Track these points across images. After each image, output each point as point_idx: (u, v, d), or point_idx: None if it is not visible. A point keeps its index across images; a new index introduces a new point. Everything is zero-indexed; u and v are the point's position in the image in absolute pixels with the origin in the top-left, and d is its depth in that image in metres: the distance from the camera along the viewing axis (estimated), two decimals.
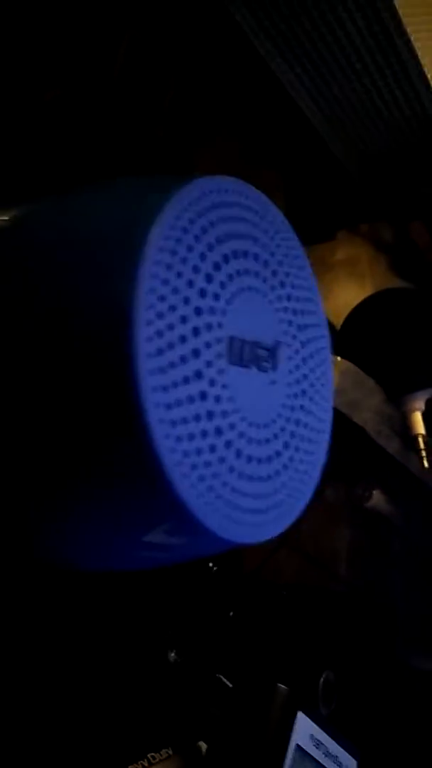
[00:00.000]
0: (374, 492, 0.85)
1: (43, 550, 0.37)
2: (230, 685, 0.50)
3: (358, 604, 0.73)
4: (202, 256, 0.30)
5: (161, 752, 0.49)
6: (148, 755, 0.48)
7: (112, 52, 0.54)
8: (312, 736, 0.47)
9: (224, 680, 0.51)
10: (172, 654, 0.55)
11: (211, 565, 0.64)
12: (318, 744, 0.48)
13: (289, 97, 0.67)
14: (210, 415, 0.29)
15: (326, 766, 0.49)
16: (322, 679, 0.55)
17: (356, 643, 0.67)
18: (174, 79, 0.60)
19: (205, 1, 0.57)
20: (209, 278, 0.30)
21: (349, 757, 0.52)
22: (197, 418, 0.29)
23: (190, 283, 0.29)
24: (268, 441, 0.33)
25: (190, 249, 0.29)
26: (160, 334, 0.27)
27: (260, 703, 0.46)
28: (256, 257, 0.34)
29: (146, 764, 0.48)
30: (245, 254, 0.33)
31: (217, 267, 0.31)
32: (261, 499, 0.32)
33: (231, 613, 0.63)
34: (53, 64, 0.50)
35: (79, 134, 0.50)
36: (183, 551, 0.32)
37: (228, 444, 0.30)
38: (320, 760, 0.48)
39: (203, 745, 0.46)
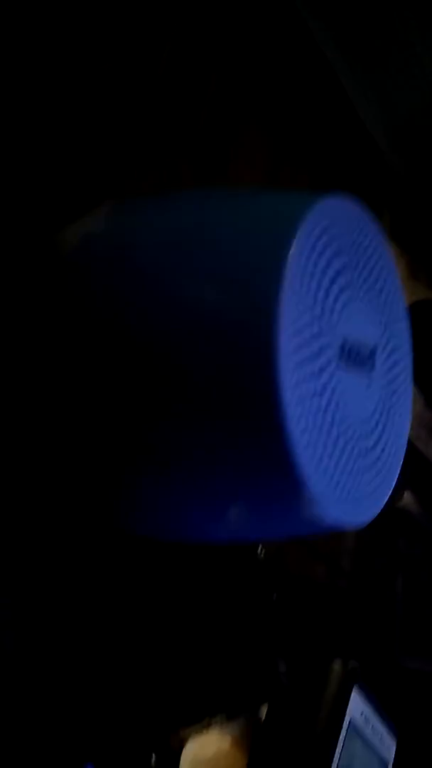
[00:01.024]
0: (405, 492, 0.88)
1: (141, 517, 0.40)
2: (282, 668, 0.54)
3: (359, 601, 0.76)
4: (328, 264, 0.34)
5: (217, 716, 0.53)
6: (206, 718, 0.52)
7: (158, 49, 0.58)
8: (362, 712, 0.51)
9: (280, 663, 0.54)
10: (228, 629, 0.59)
11: (260, 550, 0.67)
12: (366, 720, 0.52)
13: (322, 91, 0.70)
14: (326, 408, 0.33)
15: (372, 741, 0.53)
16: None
17: (355, 640, 0.69)
18: (215, 75, 0.63)
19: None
20: (331, 284, 0.34)
21: (390, 736, 0.55)
22: (318, 410, 0.32)
23: (318, 288, 0.33)
24: (367, 435, 0.37)
25: (319, 256, 0.33)
26: (296, 333, 0.31)
27: (318, 677, 0.49)
28: (362, 268, 0.37)
29: (204, 725, 0.51)
30: (356, 265, 0.37)
31: (337, 274, 0.35)
32: (362, 486, 0.36)
33: (274, 596, 0.67)
34: (107, 55, 0.52)
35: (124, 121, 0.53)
36: (288, 528, 0.36)
37: (338, 436, 0.34)
38: (368, 737, 0.52)
39: (262, 713, 0.50)
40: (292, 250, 0.30)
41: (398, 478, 0.94)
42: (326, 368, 0.33)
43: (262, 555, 0.68)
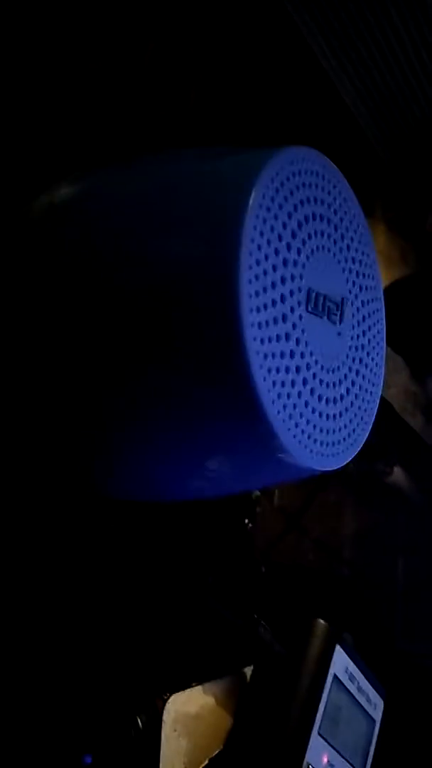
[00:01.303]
0: (395, 468, 0.89)
1: (114, 477, 0.41)
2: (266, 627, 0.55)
3: (359, 588, 0.76)
4: (289, 215, 0.34)
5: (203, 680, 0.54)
6: (193, 684, 0.53)
7: (142, 43, 0.58)
8: (347, 669, 0.52)
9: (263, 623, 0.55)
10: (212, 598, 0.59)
11: (246, 521, 0.68)
12: (351, 678, 0.52)
13: (312, 87, 0.71)
14: (292, 353, 0.34)
15: (358, 699, 0.53)
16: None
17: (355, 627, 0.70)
18: (199, 70, 0.64)
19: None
20: (294, 235, 0.35)
21: (377, 694, 0.56)
22: (282, 354, 0.33)
23: (280, 237, 0.33)
24: (335, 384, 0.37)
25: (280, 207, 0.34)
26: (257, 278, 0.31)
27: (301, 635, 0.50)
28: (328, 221, 0.38)
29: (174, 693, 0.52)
30: (321, 217, 0.37)
31: (299, 225, 0.35)
32: (330, 434, 0.36)
33: (263, 569, 0.68)
34: (95, 48, 0.53)
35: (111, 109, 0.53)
36: (261, 476, 0.37)
37: (305, 381, 0.35)
38: (354, 693, 0.53)
39: (248, 673, 0.50)
40: (252, 196, 0.31)
41: (387, 452, 0.95)
42: (291, 314, 0.34)
43: (250, 525, 0.69)
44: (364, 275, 0.42)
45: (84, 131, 0.50)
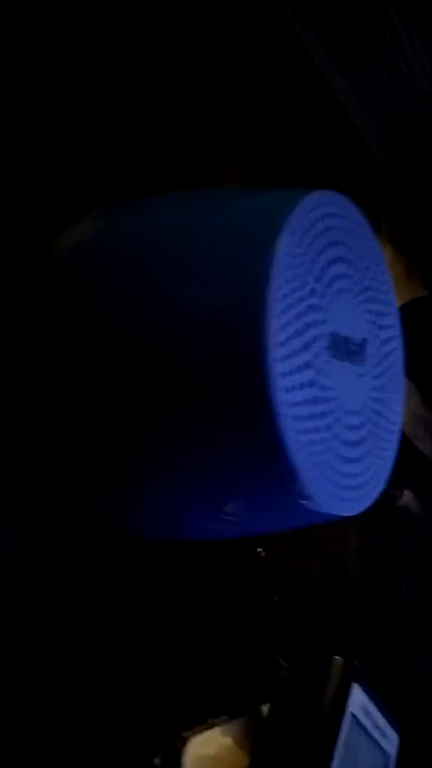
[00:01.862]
0: (405, 491, 0.88)
1: (127, 514, 0.41)
2: (284, 664, 0.54)
3: (364, 604, 0.76)
4: (313, 260, 0.34)
5: (219, 717, 0.53)
6: (208, 719, 0.53)
7: (152, 54, 0.59)
8: (363, 706, 0.51)
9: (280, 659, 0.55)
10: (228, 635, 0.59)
11: (259, 550, 0.68)
12: (367, 714, 0.52)
13: (312, 98, 0.72)
14: (316, 400, 0.34)
15: (375, 736, 0.53)
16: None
17: (360, 642, 0.70)
18: (208, 80, 0.64)
19: (235, 8, 0.62)
20: (317, 279, 0.35)
21: (393, 731, 0.56)
22: (307, 402, 0.33)
23: (305, 283, 0.33)
24: (357, 427, 0.37)
25: (305, 253, 0.34)
26: (284, 327, 0.31)
27: (319, 673, 0.50)
28: (350, 263, 0.38)
29: (207, 727, 0.52)
30: (342, 260, 0.37)
31: (322, 270, 0.35)
32: (352, 478, 0.36)
33: (275, 598, 0.67)
34: (104, 61, 0.53)
35: (120, 125, 0.54)
36: (282, 520, 0.36)
37: (328, 427, 0.35)
38: (369, 730, 0.52)
39: (264, 710, 0.50)
40: (280, 244, 0.31)
41: (397, 476, 0.95)
42: (316, 360, 0.34)
43: (263, 553, 0.68)
44: (383, 314, 0.42)
45: (101, 157, 0.51)
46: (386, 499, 0.87)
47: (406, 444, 0.85)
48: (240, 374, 0.30)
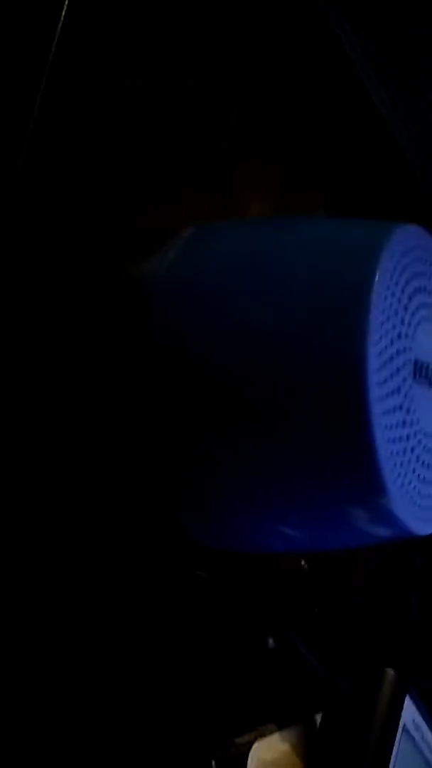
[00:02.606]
0: None
1: (208, 524, 0.42)
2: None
3: (373, 618, 0.77)
4: (402, 291, 0.37)
5: (266, 725, 0.55)
6: (257, 727, 0.54)
7: (188, 71, 0.61)
8: (414, 719, 0.53)
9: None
10: (271, 640, 0.61)
11: (303, 563, 0.70)
12: (417, 728, 0.54)
13: (334, 110, 0.73)
14: (404, 423, 0.36)
15: (422, 748, 0.55)
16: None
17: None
18: (239, 98, 0.66)
19: (275, 25, 0.64)
20: (405, 309, 0.37)
21: None
22: (397, 425, 0.35)
23: (396, 312, 0.36)
24: None
25: (396, 284, 0.36)
26: (380, 354, 0.34)
27: (372, 684, 0.51)
28: (430, 292, 0.40)
29: (256, 734, 0.53)
30: (424, 290, 0.40)
31: (409, 299, 0.38)
32: (429, 499, 0.38)
33: (316, 610, 0.69)
34: (137, 70, 0.55)
35: (150, 136, 0.56)
36: (362, 539, 0.38)
37: (413, 449, 0.37)
38: (419, 743, 0.54)
39: (318, 719, 0.52)
40: (377, 278, 0.33)
41: None
42: (404, 385, 0.36)
43: (306, 568, 0.70)
44: None
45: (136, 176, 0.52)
46: None
47: None
48: (343, 398, 0.33)
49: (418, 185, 0.88)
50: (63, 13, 0.46)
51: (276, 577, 0.63)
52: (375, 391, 0.33)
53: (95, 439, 0.45)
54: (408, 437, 0.37)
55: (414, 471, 0.37)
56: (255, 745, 0.46)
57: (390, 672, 0.53)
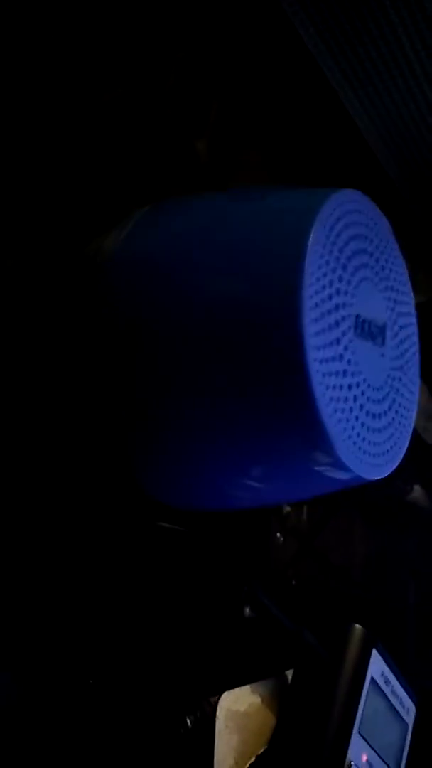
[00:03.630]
0: (415, 486, 0.93)
1: (165, 481, 0.45)
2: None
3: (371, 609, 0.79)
4: (340, 250, 0.40)
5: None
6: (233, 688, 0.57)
7: (165, 68, 0.64)
8: (382, 673, 0.56)
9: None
10: (247, 609, 0.64)
11: (278, 535, 0.72)
12: (387, 681, 0.56)
13: (326, 121, 0.77)
14: (345, 373, 0.39)
15: (393, 702, 0.57)
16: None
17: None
18: (217, 96, 0.69)
19: (250, 29, 0.67)
20: (344, 267, 0.40)
21: (409, 699, 0.60)
22: (337, 374, 0.38)
23: (333, 270, 0.39)
24: (380, 401, 0.42)
25: (333, 243, 0.39)
26: (316, 305, 0.37)
27: (340, 639, 0.54)
28: (371, 254, 0.43)
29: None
30: (364, 251, 0.43)
31: (348, 259, 0.41)
32: (377, 446, 0.41)
33: (293, 582, 0.72)
34: (113, 72, 0.58)
35: (129, 139, 0.58)
36: (310, 486, 0.41)
37: (355, 398, 0.40)
38: (389, 696, 0.57)
39: (288, 675, 0.55)
40: (312, 236, 0.36)
41: (407, 471, 0.99)
42: (343, 338, 0.39)
43: (281, 540, 0.73)
44: (401, 302, 0.47)
45: (119, 165, 0.55)
46: (396, 494, 0.92)
47: (415, 439, 0.89)
48: (279, 346, 0.35)
49: (385, 174, 0.92)
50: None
51: (249, 545, 0.66)
52: (311, 340, 0.36)
53: (57, 406, 0.48)
54: (350, 386, 0.39)
55: (357, 418, 0.40)
56: (223, 695, 0.49)
57: (357, 626, 0.55)
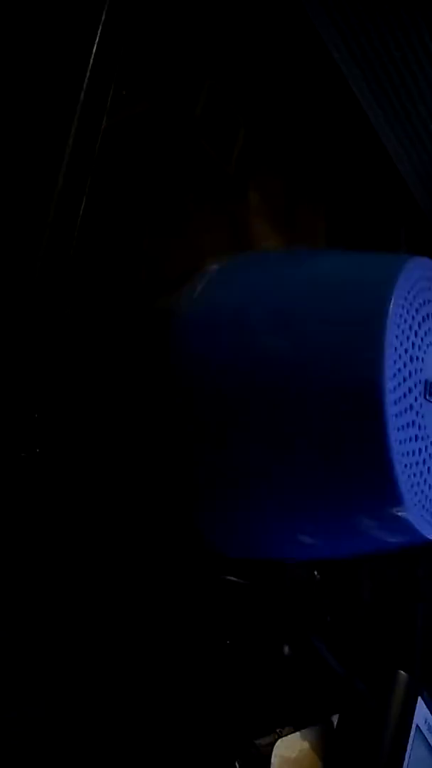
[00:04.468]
0: None
1: (229, 535, 0.47)
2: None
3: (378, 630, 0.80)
4: (413, 317, 0.41)
5: (285, 728, 0.59)
6: (276, 729, 0.58)
7: (194, 96, 0.65)
8: (426, 720, 0.57)
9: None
10: (287, 648, 0.65)
11: (316, 573, 0.74)
12: (430, 728, 0.58)
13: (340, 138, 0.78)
14: (417, 438, 0.40)
15: None
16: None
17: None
18: (244, 121, 0.71)
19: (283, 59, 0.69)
20: (416, 334, 0.41)
21: None
22: (410, 439, 0.40)
23: (408, 338, 0.40)
24: None
25: (408, 311, 0.40)
26: (393, 376, 0.38)
27: (385, 686, 0.56)
28: None
29: (276, 736, 0.57)
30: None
31: (419, 325, 0.42)
32: None
33: (328, 618, 0.73)
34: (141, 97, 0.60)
35: (156, 157, 0.60)
36: (373, 542, 0.43)
37: (425, 461, 0.41)
38: (431, 743, 0.58)
39: (335, 720, 0.56)
40: (390, 309, 0.38)
41: None
42: (415, 403, 0.41)
43: (319, 578, 0.75)
44: None
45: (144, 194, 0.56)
46: None
47: None
48: (360, 416, 0.37)
49: (414, 201, 0.93)
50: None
51: (291, 586, 0.67)
52: (390, 410, 0.37)
53: (124, 460, 0.50)
54: (421, 451, 0.41)
55: (426, 481, 0.42)
56: (278, 743, 0.50)
57: (402, 674, 0.57)
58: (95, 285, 0.51)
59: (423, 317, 0.43)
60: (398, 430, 0.39)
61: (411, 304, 0.42)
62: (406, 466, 0.39)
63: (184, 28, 0.61)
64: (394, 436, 0.38)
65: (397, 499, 0.38)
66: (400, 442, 0.38)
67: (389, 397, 0.38)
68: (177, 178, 0.60)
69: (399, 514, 0.39)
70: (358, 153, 0.85)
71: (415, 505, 0.40)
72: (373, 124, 0.85)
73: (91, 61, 0.50)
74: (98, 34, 0.50)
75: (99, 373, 0.49)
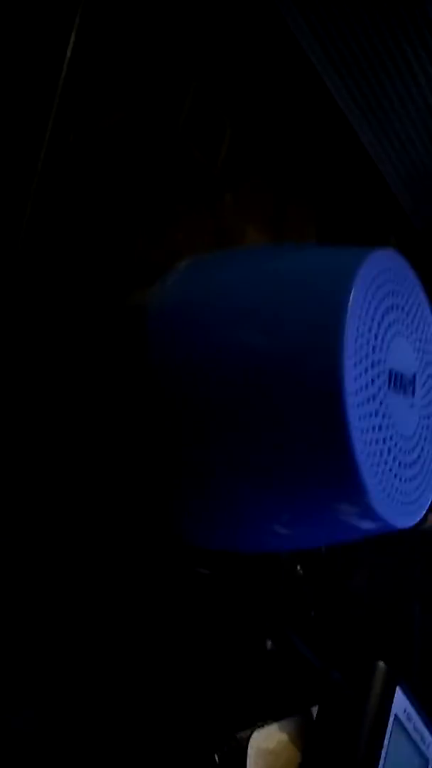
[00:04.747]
0: (430, 515, 0.94)
1: (204, 528, 0.48)
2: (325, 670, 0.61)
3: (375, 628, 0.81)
4: (376, 309, 0.42)
5: (268, 721, 0.60)
6: (258, 723, 0.59)
7: (180, 98, 0.66)
8: (405, 709, 0.58)
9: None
10: (269, 642, 0.66)
11: (299, 568, 0.75)
12: (409, 717, 0.58)
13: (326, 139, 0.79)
14: (380, 427, 0.41)
15: (415, 738, 0.59)
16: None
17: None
18: (230, 125, 0.72)
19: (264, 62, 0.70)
20: (379, 325, 0.42)
21: (430, 735, 0.62)
22: (373, 429, 0.40)
23: (370, 329, 0.41)
24: (411, 450, 0.45)
25: (369, 303, 0.41)
26: (355, 366, 0.39)
27: (364, 677, 0.56)
28: (402, 309, 0.46)
29: (257, 728, 0.58)
30: (396, 307, 0.45)
31: (382, 316, 0.43)
32: (407, 495, 0.44)
33: (312, 613, 0.74)
34: (124, 99, 0.61)
35: (135, 164, 0.61)
36: (345, 534, 0.43)
37: (389, 450, 0.42)
38: (411, 733, 0.59)
39: (314, 711, 0.57)
40: (351, 298, 0.39)
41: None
42: (379, 393, 0.41)
43: (301, 572, 0.75)
44: (428, 351, 0.49)
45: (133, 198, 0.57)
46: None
47: None
48: (321, 404, 0.38)
49: (401, 208, 0.94)
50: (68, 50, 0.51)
51: (272, 581, 0.68)
52: (352, 399, 0.38)
53: (97, 452, 0.50)
54: (384, 440, 0.42)
55: (391, 470, 0.43)
56: (254, 734, 0.51)
57: (381, 664, 0.57)
58: (81, 289, 0.52)
59: (386, 308, 0.44)
60: (361, 419, 0.39)
61: (374, 295, 0.42)
62: (369, 455, 0.40)
63: (171, 30, 0.61)
64: (356, 424, 0.38)
65: (359, 487, 0.39)
66: (363, 431, 0.39)
67: (351, 386, 0.38)
68: (163, 182, 0.61)
69: (365, 503, 0.40)
70: (348, 157, 0.85)
71: (380, 494, 0.41)
72: (352, 124, 0.85)
73: (65, 66, 0.51)
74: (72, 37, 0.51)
75: (72, 369, 0.50)
